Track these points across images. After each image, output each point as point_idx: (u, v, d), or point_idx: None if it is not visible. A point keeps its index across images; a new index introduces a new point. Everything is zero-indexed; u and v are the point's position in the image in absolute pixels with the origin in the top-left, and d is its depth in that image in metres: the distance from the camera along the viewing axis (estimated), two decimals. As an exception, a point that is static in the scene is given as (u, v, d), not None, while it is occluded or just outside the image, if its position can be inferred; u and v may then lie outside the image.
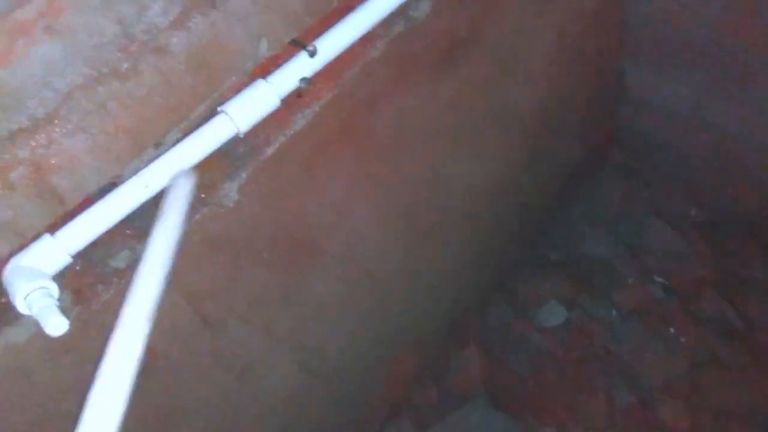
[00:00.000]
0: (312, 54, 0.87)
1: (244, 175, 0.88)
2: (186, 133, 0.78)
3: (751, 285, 1.80)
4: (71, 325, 0.65)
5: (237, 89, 0.82)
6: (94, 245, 0.74)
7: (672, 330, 1.79)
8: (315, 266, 1.11)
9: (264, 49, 0.83)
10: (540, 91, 1.55)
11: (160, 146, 0.78)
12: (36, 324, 0.66)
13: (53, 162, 0.68)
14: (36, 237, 0.70)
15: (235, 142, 0.85)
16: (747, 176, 1.77)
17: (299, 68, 0.86)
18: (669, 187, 1.98)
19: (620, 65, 1.76)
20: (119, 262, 0.79)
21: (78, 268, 0.77)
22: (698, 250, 1.90)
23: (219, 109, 0.81)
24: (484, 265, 1.75)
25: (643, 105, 1.83)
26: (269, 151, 0.90)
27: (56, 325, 0.64)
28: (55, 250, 0.70)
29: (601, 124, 1.96)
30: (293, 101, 0.89)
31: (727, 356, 1.72)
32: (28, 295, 0.66)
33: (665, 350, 1.75)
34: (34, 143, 0.66)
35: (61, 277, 0.73)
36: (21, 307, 0.66)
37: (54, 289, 0.69)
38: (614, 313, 1.84)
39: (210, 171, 0.84)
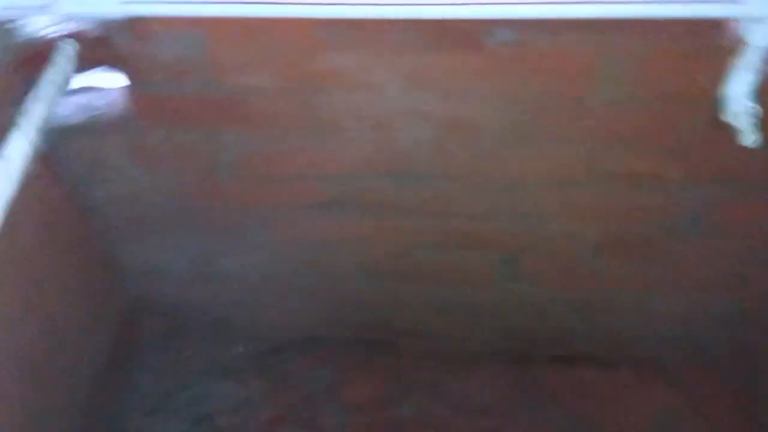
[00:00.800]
0: None
1: None
2: None
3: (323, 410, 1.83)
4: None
5: None
6: None
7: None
8: None
9: None
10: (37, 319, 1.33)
11: None
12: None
13: None
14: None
15: None
16: (275, 305, 1.83)
17: None
18: (212, 338, 1.93)
19: (111, 250, 1.68)
20: None
21: None
22: (258, 388, 1.87)
23: None
24: None
25: (157, 273, 1.76)
26: None
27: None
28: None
29: (117, 309, 1.82)
30: None
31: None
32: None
33: None
34: None
35: None
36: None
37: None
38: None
39: None
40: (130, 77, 1.22)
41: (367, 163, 1.35)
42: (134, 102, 1.27)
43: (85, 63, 1.18)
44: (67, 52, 1.16)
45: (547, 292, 1.69)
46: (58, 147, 1.35)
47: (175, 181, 1.46)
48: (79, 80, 1.23)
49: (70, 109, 1.30)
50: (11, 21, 1.13)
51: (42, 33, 1.15)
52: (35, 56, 1.14)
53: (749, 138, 1.07)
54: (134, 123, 1.31)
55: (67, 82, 1.18)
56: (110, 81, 1.26)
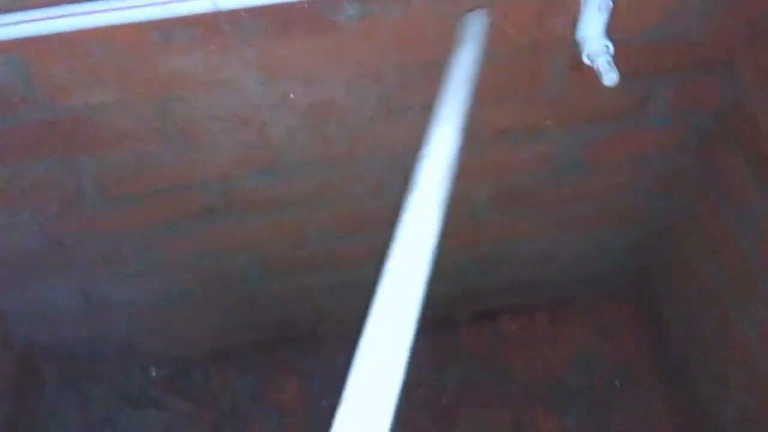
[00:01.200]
0: None
1: None
2: None
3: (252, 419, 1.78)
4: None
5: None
6: None
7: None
8: None
9: None
10: None
11: None
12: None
13: None
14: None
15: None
16: (180, 323, 1.73)
17: None
18: (120, 369, 1.82)
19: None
20: None
21: None
22: (181, 410, 1.79)
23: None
24: None
25: (44, 315, 1.61)
26: None
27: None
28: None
29: (10, 360, 1.67)
30: None
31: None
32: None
33: None
34: None
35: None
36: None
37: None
38: None
39: None
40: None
41: (241, 163, 1.27)
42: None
43: None
44: None
45: (454, 255, 1.68)
46: None
47: (39, 217, 1.33)
48: None
49: None
50: None
51: None
52: None
53: (608, 77, 1.08)
54: (-28, 164, 1.19)
55: None
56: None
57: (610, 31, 1.10)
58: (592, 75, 1.11)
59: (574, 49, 1.14)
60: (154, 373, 1.81)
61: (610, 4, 1.07)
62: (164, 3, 0.96)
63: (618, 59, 1.11)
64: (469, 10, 1.05)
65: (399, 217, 0.69)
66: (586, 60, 1.12)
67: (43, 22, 0.95)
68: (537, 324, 1.90)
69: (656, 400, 1.73)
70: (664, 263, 1.72)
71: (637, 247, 1.72)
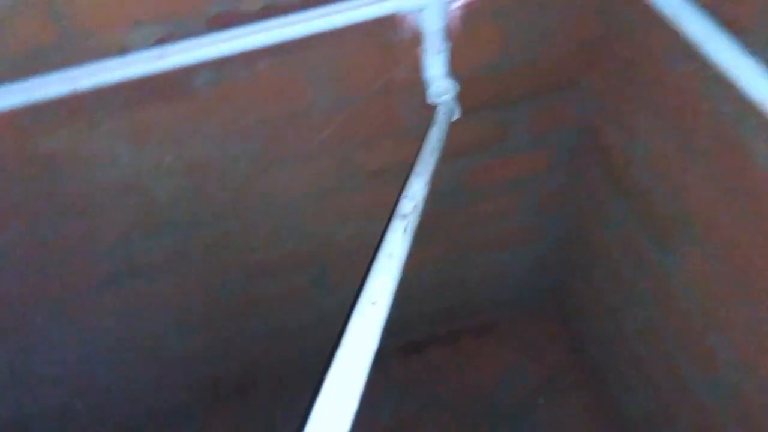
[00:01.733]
0: None
1: None
2: None
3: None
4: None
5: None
6: None
7: None
8: None
9: None
10: None
11: None
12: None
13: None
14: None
15: None
16: (112, 391, 1.73)
17: None
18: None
19: None
20: None
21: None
22: None
23: None
24: None
25: None
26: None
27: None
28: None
29: None
30: None
31: None
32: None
33: None
34: None
35: None
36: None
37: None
38: None
39: None
40: None
41: (134, 227, 1.35)
42: None
43: None
44: None
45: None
46: None
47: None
48: None
49: None
50: None
51: None
52: None
53: (453, 112, 1.18)
54: None
55: None
56: None
57: (456, 69, 1.21)
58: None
59: (422, 89, 1.24)
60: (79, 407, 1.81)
61: (446, 45, 1.18)
62: (27, 90, 1.06)
63: (468, 94, 1.22)
64: (311, 66, 1.16)
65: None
66: (431, 100, 1.23)
67: None
68: (463, 350, 1.96)
69: (579, 410, 1.79)
70: (570, 279, 1.80)
71: (546, 266, 1.80)
